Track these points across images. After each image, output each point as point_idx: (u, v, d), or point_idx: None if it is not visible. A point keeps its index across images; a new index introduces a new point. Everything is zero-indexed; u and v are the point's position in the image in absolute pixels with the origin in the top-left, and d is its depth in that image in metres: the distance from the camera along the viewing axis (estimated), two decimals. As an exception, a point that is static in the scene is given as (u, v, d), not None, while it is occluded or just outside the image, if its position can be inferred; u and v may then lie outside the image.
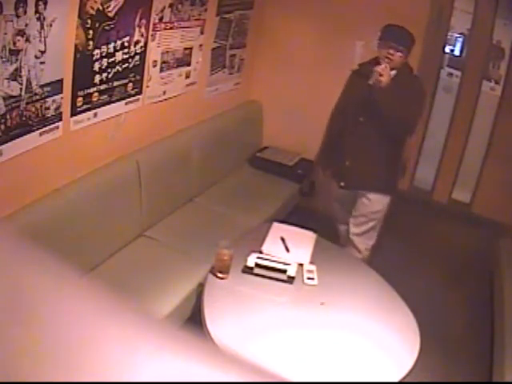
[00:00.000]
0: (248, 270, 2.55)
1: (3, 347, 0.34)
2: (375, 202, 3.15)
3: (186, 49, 3.39)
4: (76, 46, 2.44)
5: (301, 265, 2.66)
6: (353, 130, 3.09)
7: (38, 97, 2.31)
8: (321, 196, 4.34)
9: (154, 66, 3.11)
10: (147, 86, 3.10)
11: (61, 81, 2.42)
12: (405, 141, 3.18)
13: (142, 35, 2.91)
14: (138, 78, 2.99)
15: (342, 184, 3.20)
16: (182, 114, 3.53)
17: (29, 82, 2.23)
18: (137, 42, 2.88)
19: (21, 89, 2.21)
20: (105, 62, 2.67)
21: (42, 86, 2.31)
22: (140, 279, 2.63)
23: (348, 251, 3.24)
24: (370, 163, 3.09)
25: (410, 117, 2.91)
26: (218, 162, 3.82)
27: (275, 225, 3.01)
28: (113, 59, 2.73)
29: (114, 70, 2.77)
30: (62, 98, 2.46)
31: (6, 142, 2.20)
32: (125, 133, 3.00)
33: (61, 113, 2.48)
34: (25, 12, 2.10)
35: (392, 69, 2.89)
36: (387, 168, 3.13)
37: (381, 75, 2.82)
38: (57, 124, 2.48)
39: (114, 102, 2.84)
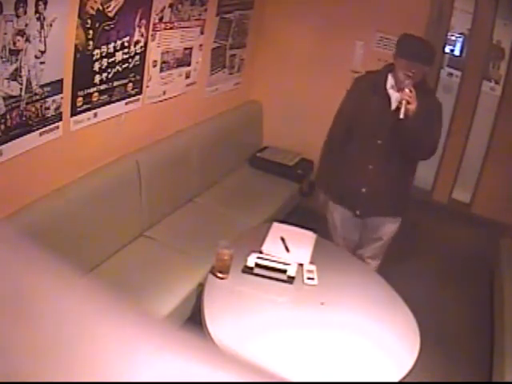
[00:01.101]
0: (248, 270, 2.55)
1: (3, 347, 0.34)
2: (389, 227, 3.01)
3: (186, 49, 3.39)
4: (76, 46, 2.44)
5: (301, 265, 2.66)
6: (369, 152, 2.80)
7: (38, 97, 2.31)
8: (321, 196, 4.34)
9: (154, 66, 3.11)
10: (147, 86, 3.10)
11: (61, 81, 2.42)
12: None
13: (142, 35, 2.91)
14: (138, 78, 2.99)
15: (358, 213, 2.94)
16: (182, 114, 3.53)
17: (29, 82, 2.23)
18: (137, 42, 2.88)
19: (21, 89, 2.21)
20: (105, 62, 2.67)
21: (42, 86, 2.31)
22: (140, 279, 2.63)
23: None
24: (389, 189, 2.85)
25: (435, 135, 2.72)
26: (217, 162, 3.82)
27: (275, 225, 3.00)
28: (113, 59, 2.73)
29: (114, 70, 2.77)
30: (61, 98, 2.46)
31: (6, 141, 2.20)
32: (125, 133, 3.00)
33: (61, 113, 2.48)
34: (25, 12, 2.10)
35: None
36: (403, 190, 2.96)
37: (408, 103, 2.53)
38: (57, 124, 2.48)
39: (114, 101, 2.84)
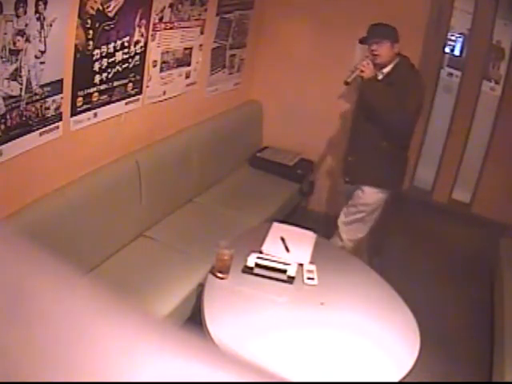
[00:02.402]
0: (248, 270, 2.55)
1: (3, 347, 0.34)
2: (368, 195, 3.17)
3: (186, 49, 3.39)
4: (76, 45, 2.44)
5: (301, 265, 2.66)
6: (356, 126, 3.22)
7: (38, 97, 2.31)
8: (321, 196, 4.34)
9: (154, 65, 3.11)
10: (147, 86, 3.10)
11: (61, 81, 2.42)
12: (408, 138, 3.15)
13: (142, 35, 2.91)
14: (138, 78, 2.99)
15: (347, 179, 3.29)
16: (182, 114, 3.53)
17: (29, 82, 2.23)
18: (137, 42, 2.88)
19: (21, 89, 2.21)
20: (105, 62, 2.67)
21: (42, 86, 2.31)
22: (140, 279, 2.63)
23: (333, 240, 3.28)
24: (370, 158, 3.12)
25: (405, 113, 2.89)
26: (218, 161, 3.82)
27: (275, 225, 3.01)
28: (113, 59, 2.73)
29: (114, 70, 2.77)
30: (61, 98, 2.46)
31: (6, 141, 2.20)
32: (125, 133, 3.00)
33: (61, 113, 2.48)
34: (25, 12, 2.10)
35: (385, 65, 2.97)
36: (388, 163, 3.13)
37: (362, 72, 2.95)
38: (57, 124, 2.48)
39: (114, 101, 2.84)
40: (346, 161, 3.30)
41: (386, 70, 2.98)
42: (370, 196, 3.17)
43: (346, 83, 3.02)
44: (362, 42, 3.07)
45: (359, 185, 3.21)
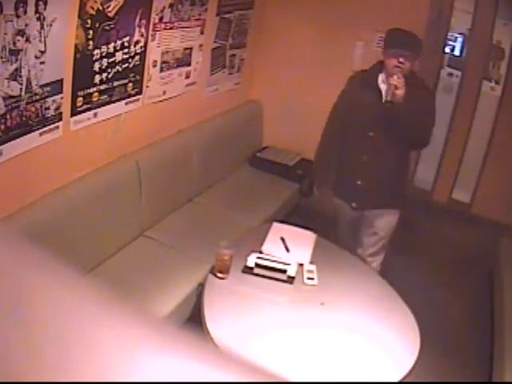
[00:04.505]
0: (248, 270, 2.55)
1: (3, 347, 0.34)
2: (391, 219, 3.01)
3: (186, 49, 3.39)
4: (76, 46, 2.44)
5: (301, 265, 2.66)
6: (362, 145, 2.86)
7: (38, 97, 2.31)
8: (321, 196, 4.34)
9: (154, 65, 3.11)
10: (147, 86, 3.10)
11: (61, 81, 2.42)
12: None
13: (142, 35, 2.91)
14: (137, 78, 2.99)
15: (354, 205, 2.97)
16: (182, 114, 3.53)
17: (29, 82, 2.23)
18: (137, 42, 2.88)
19: (21, 89, 2.21)
20: (105, 61, 2.67)
21: (41, 86, 2.31)
22: (140, 279, 2.63)
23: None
24: (383, 180, 2.90)
25: (427, 126, 2.77)
26: (218, 162, 3.82)
27: (275, 225, 3.00)
28: (113, 59, 2.73)
29: (114, 70, 2.77)
30: (61, 97, 2.46)
31: (6, 142, 2.20)
32: (125, 133, 3.00)
33: (61, 113, 2.48)
34: (25, 12, 2.10)
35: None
36: (398, 181, 3.00)
37: (396, 88, 2.60)
38: (57, 124, 2.48)
39: (113, 102, 2.84)
40: (352, 185, 2.93)
41: None
42: (393, 220, 3.00)
43: (389, 102, 2.65)
44: (387, 47, 2.73)
45: (377, 210, 2.96)
